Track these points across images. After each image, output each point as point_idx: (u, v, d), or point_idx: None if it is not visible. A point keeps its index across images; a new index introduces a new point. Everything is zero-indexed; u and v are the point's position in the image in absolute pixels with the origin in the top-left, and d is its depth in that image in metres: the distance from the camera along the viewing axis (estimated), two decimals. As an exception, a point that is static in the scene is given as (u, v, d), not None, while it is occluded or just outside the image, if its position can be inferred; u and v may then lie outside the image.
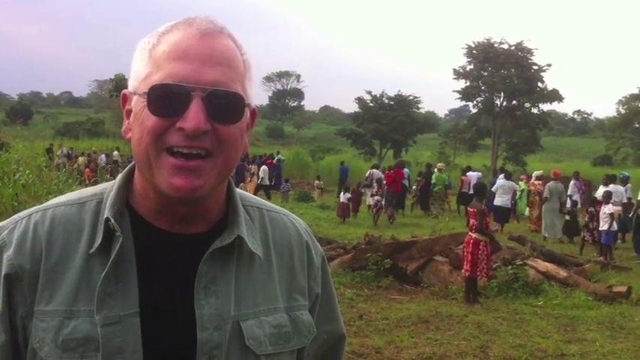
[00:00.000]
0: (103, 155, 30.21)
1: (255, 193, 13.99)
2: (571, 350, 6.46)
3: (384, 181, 19.62)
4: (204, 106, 1.01)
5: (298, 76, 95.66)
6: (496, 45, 45.18)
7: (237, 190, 1.21)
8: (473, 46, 45.83)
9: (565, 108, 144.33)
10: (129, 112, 1.10)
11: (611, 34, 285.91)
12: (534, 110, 46.14)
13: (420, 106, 52.24)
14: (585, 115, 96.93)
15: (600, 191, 14.57)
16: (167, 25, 1.10)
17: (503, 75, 44.71)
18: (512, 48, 44.83)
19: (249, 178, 24.41)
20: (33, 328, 1.04)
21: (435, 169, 21.85)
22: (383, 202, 18.36)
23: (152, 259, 1.09)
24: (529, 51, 44.78)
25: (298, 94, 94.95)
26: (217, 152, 1.04)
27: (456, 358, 6.14)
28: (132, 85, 1.09)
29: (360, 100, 50.95)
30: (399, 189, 19.55)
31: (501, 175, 18.62)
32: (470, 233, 8.54)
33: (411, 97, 50.44)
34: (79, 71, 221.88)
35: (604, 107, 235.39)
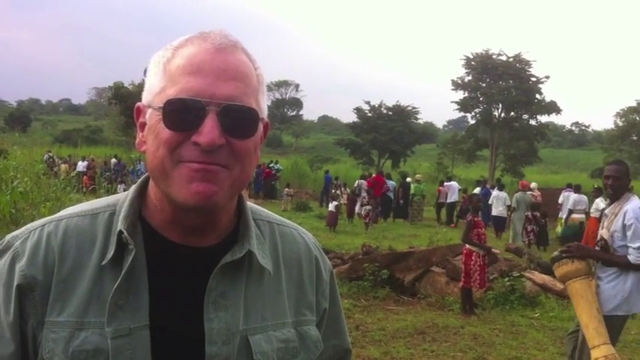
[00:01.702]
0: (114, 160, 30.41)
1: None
2: (567, 363, 6.46)
3: (388, 188, 21.35)
4: (218, 121, 1.02)
5: (297, 86, 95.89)
6: (494, 56, 45.34)
7: (248, 203, 1.21)
8: (471, 57, 45.99)
9: (563, 120, 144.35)
10: (143, 124, 1.12)
11: (610, 46, 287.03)
12: (532, 122, 46.26)
13: (418, 116, 52.44)
14: (583, 127, 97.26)
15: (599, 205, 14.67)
16: (181, 38, 1.11)
17: (501, 86, 44.83)
18: (511, 60, 44.99)
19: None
20: (43, 339, 1.05)
21: (410, 180, 23.45)
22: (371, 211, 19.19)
23: (163, 272, 1.10)
24: (527, 63, 44.95)
25: (297, 104, 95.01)
26: (232, 166, 1.05)
27: (452, 370, 6.14)
28: (146, 98, 1.10)
29: (358, 110, 51.07)
30: (377, 194, 20.70)
31: (495, 188, 19.80)
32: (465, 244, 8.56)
33: (409, 108, 50.58)
34: (78, 78, 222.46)
35: (602, 119, 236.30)
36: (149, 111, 1.08)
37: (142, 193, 1.16)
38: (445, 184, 22.67)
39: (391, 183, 23.01)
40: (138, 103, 1.14)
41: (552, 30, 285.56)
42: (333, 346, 1.31)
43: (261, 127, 1.11)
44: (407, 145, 49.35)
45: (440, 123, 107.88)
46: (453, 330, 7.47)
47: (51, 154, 28.90)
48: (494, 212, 18.13)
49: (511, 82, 44.74)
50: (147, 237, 1.11)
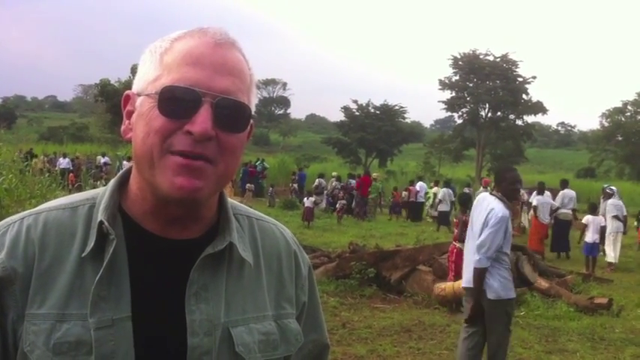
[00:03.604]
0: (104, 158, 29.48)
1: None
2: (552, 361, 6.50)
3: (353, 186, 22.98)
4: (212, 113, 1.04)
5: (285, 84, 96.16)
6: (481, 56, 45.63)
7: (229, 199, 1.22)
8: (459, 57, 46.23)
9: (549, 120, 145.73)
10: (130, 112, 1.12)
11: (596, 47, 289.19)
12: (519, 122, 46.60)
13: (405, 116, 52.67)
14: (569, 128, 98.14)
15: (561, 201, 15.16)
16: (179, 32, 1.12)
17: (488, 86, 45.11)
18: (498, 60, 45.29)
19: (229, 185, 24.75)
20: (24, 332, 1.04)
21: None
22: (342, 205, 21.05)
23: (144, 264, 1.10)
24: (514, 63, 45.26)
25: (284, 102, 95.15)
26: (218, 160, 1.06)
27: (438, 368, 6.15)
28: (138, 86, 1.11)
29: (346, 109, 51.16)
30: (365, 194, 22.34)
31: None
32: (454, 243, 8.58)
33: (396, 107, 50.73)
34: (64, 75, 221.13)
35: (588, 120, 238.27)
36: (140, 98, 1.09)
37: (122, 186, 1.16)
38: (417, 184, 24.11)
39: (353, 182, 24.25)
40: (127, 91, 1.14)
41: (539, 31, 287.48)
42: (312, 340, 1.31)
43: (249, 125, 1.12)
44: (394, 144, 49.49)
45: (427, 122, 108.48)
46: (440, 328, 7.48)
47: (24, 151, 27.86)
48: (441, 208, 20.52)
49: (498, 82, 45.05)
50: (127, 228, 1.11)
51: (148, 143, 1.04)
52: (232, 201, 1.25)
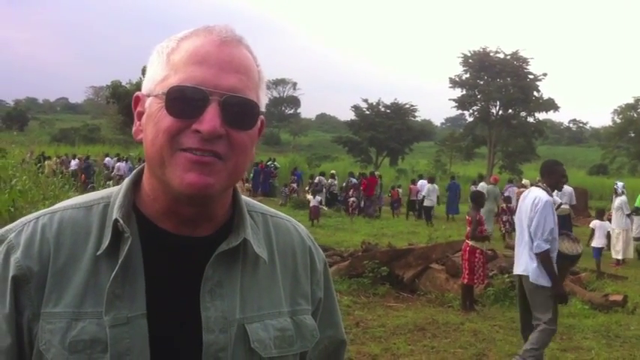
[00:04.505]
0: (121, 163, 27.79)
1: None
2: (567, 359, 6.47)
3: (361, 187, 23.65)
4: (220, 111, 1.03)
5: (295, 84, 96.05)
6: (492, 54, 45.46)
7: (242, 196, 1.22)
8: (469, 55, 46.11)
9: (560, 117, 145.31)
10: (140, 113, 1.12)
11: (607, 43, 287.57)
12: (530, 119, 46.40)
13: (416, 114, 52.59)
14: (581, 125, 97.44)
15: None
16: (186, 31, 1.12)
17: (499, 84, 44.94)
18: (508, 57, 45.12)
19: (240, 183, 25.00)
20: (39, 330, 1.04)
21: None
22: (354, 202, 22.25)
23: (158, 262, 1.10)
24: (525, 60, 45.08)
25: (294, 102, 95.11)
26: (228, 157, 1.06)
27: (452, 366, 6.14)
28: (147, 87, 1.11)
29: (356, 108, 51.12)
30: (372, 193, 23.03)
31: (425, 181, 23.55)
32: (467, 241, 8.54)
33: (407, 106, 50.64)
34: (76, 77, 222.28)
35: (599, 116, 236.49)
36: (149, 99, 1.09)
37: (135, 185, 1.16)
38: (418, 182, 24.35)
39: (354, 180, 24.78)
40: (137, 93, 1.15)
41: (550, 27, 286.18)
42: (328, 336, 1.31)
43: (259, 121, 1.12)
44: (405, 143, 49.42)
45: (438, 121, 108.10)
46: (453, 326, 7.46)
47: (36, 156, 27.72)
48: (427, 203, 21.41)
49: (509, 79, 44.89)
50: (141, 227, 1.11)
51: (157, 144, 1.05)
52: (246, 198, 1.25)
